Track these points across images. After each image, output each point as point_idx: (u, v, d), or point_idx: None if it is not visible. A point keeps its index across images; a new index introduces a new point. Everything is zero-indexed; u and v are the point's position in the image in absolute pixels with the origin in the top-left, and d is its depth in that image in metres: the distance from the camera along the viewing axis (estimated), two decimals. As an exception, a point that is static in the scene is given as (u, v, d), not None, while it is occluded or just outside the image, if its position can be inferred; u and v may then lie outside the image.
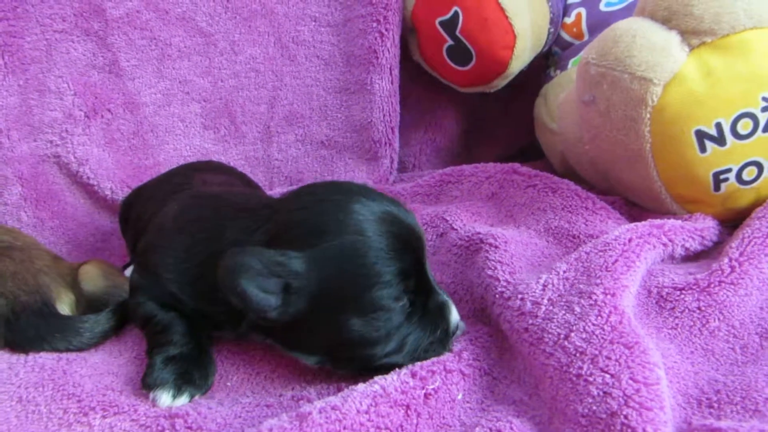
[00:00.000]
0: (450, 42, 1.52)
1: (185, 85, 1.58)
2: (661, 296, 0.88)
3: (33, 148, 1.46)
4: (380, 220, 0.79)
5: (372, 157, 1.65)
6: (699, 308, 0.86)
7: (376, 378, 0.76)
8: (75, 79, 1.49)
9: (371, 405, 0.71)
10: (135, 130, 1.54)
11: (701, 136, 0.97)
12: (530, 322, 0.81)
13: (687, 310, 0.86)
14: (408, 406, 0.73)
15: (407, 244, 0.79)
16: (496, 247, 0.98)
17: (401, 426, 0.72)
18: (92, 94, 1.50)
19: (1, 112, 1.41)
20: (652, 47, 0.97)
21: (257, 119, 1.65)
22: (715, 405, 0.74)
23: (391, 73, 1.60)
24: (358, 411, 0.70)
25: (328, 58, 1.66)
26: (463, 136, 1.87)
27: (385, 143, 1.64)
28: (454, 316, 0.83)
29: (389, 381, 0.75)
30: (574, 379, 0.72)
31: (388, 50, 1.58)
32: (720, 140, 0.97)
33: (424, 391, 0.76)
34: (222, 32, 1.59)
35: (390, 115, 1.62)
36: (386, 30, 1.57)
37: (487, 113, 1.88)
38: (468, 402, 0.79)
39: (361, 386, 0.74)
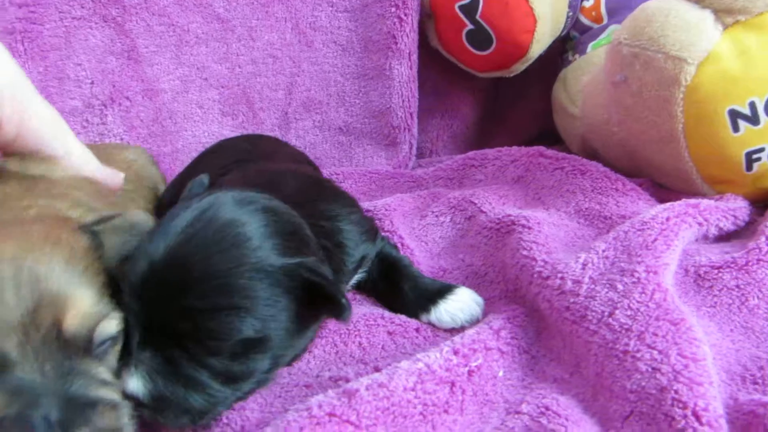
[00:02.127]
0: (470, 26, 1.51)
1: (203, 72, 1.58)
2: (699, 275, 0.88)
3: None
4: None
5: (391, 142, 1.65)
6: (737, 286, 0.86)
7: (418, 355, 0.75)
8: (93, 67, 1.48)
9: (417, 382, 0.71)
10: (154, 117, 1.54)
11: (734, 115, 0.97)
12: (572, 300, 0.81)
13: (725, 289, 0.86)
14: (453, 383, 0.73)
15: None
16: (529, 228, 0.97)
17: (447, 402, 0.72)
18: (110, 82, 1.50)
19: (20, 99, 1.41)
20: (686, 26, 0.97)
21: (275, 105, 1.64)
22: (760, 381, 0.74)
23: (410, 59, 1.60)
24: (405, 388, 0.70)
25: (345, 43, 1.65)
26: (479, 122, 1.87)
27: (404, 129, 1.63)
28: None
29: (433, 358, 0.74)
30: (621, 355, 0.72)
31: (407, 35, 1.58)
32: (753, 119, 0.97)
33: (467, 369, 0.75)
34: (239, 18, 1.59)
35: (409, 100, 1.62)
36: (405, 15, 1.56)
37: (502, 99, 1.87)
38: (509, 379, 0.79)
39: (404, 363, 0.74)
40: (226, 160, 1.10)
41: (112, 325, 0.68)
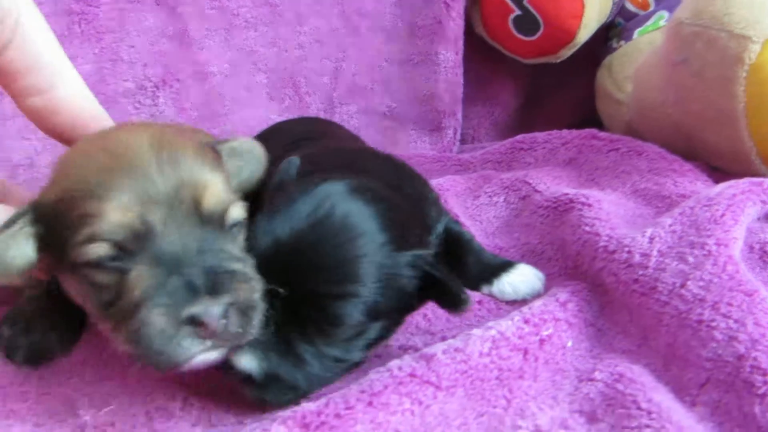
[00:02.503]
0: (517, 12, 1.52)
1: (252, 56, 1.60)
2: (765, 251, 0.88)
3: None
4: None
5: (435, 128, 1.66)
6: (805, 263, 0.86)
7: (490, 323, 0.77)
8: (146, 49, 1.51)
9: (492, 348, 0.72)
10: (203, 100, 1.56)
11: (799, 94, 0.97)
12: (640, 273, 0.81)
13: (792, 266, 0.86)
14: (526, 350, 0.74)
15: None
16: (589, 205, 0.98)
17: (521, 369, 0.73)
18: (162, 65, 1.52)
19: (76, 80, 1.44)
20: (750, 4, 0.97)
21: (320, 90, 1.66)
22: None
23: (456, 44, 1.61)
24: (481, 353, 0.71)
25: (391, 29, 1.67)
26: (520, 110, 1.88)
27: (450, 114, 1.64)
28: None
29: (505, 326, 0.75)
30: (695, 325, 0.72)
31: (454, 21, 1.59)
32: (818, 99, 0.96)
33: (538, 337, 0.76)
34: (288, 3, 1.61)
35: (454, 86, 1.63)
36: (452, 0, 1.57)
37: (543, 87, 1.88)
38: (578, 350, 0.80)
39: (477, 331, 0.75)
40: (288, 139, 1.12)
41: (240, 210, 0.71)
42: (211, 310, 0.60)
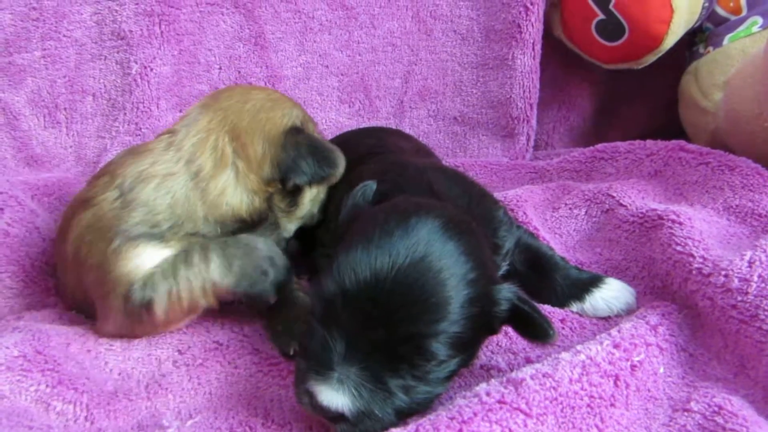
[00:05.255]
0: (601, 16, 1.47)
1: (324, 59, 1.60)
2: None
3: (177, 119, 1.50)
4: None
5: (508, 134, 1.62)
6: None
7: (578, 347, 0.74)
8: (222, 52, 1.52)
9: (582, 374, 0.70)
10: (276, 103, 1.56)
11: None
12: (739, 299, 0.77)
13: None
14: (617, 377, 0.71)
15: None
16: (680, 223, 0.93)
17: (613, 396, 0.70)
18: (236, 68, 1.54)
19: (154, 81, 1.46)
20: None
21: (391, 94, 1.65)
22: None
23: (533, 49, 1.57)
24: (571, 380, 0.69)
25: (465, 32, 1.63)
26: (595, 116, 1.82)
27: (523, 120, 1.60)
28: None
29: (594, 351, 0.73)
30: (803, 358, 0.68)
31: (533, 24, 1.55)
32: None
33: (629, 363, 0.73)
34: (363, 5, 1.59)
35: (530, 91, 1.59)
36: (531, 4, 1.53)
37: (621, 92, 1.81)
38: (670, 376, 0.77)
39: (565, 355, 0.72)
40: (354, 154, 1.11)
41: None
42: None
